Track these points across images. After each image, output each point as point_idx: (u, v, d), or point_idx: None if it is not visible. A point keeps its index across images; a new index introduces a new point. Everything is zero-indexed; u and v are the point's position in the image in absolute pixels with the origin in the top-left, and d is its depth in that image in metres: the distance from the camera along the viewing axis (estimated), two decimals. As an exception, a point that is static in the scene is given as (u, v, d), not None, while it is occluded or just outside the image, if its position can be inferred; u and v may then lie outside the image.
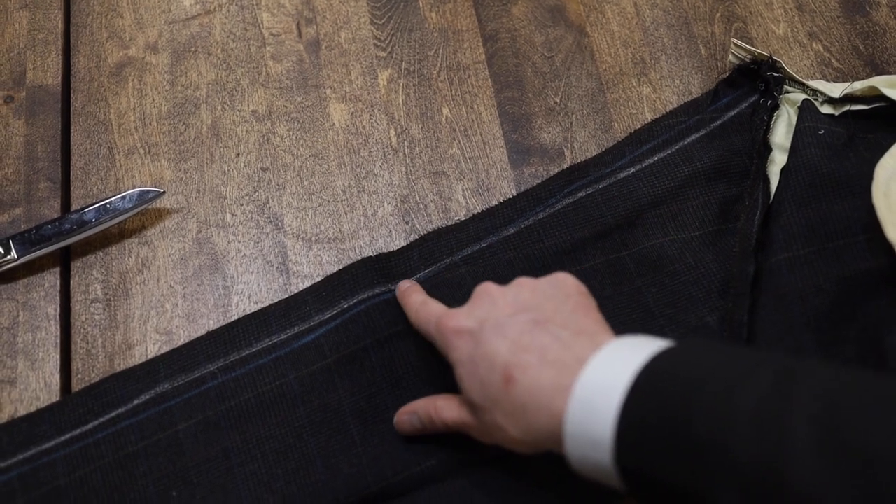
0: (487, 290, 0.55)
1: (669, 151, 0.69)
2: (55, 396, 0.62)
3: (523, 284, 0.55)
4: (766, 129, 0.68)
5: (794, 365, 0.42)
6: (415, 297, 0.61)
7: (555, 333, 0.50)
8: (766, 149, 0.67)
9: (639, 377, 0.44)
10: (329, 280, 0.64)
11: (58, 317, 0.65)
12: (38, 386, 0.62)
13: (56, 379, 0.63)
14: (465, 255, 0.65)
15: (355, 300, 0.63)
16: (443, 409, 0.56)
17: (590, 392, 0.45)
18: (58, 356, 0.63)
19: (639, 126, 0.71)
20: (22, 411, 0.61)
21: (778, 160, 0.67)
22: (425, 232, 0.67)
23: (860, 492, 0.37)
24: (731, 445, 0.40)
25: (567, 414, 0.46)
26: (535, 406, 0.48)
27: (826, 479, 0.37)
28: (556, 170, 0.69)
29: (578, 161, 0.70)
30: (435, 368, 0.60)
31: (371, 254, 0.66)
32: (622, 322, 0.62)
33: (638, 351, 0.46)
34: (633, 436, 0.43)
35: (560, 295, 0.53)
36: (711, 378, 0.43)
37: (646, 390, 0.44)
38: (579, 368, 0.47)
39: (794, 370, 0.42)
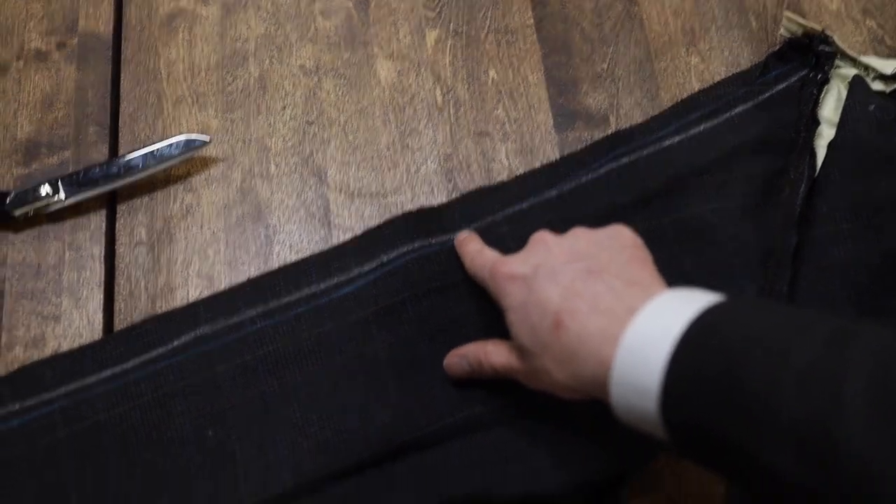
0: (543, 238, 0.55)
1: (716, 122, 0.69)
2: (97, 334, 0.63)
3: (580, 234, 0.55)
4: (815, 102, 0.67)
5: (850, 326, 0.42)
6: (472, 246, 0.61)
7: (608, 282, 0.50)
8: (814, 122, 0.67)
9: (690, 328, 0.44)
10: (370, 233, 0.65)
11: (102, 258, 0.66)
12: (82, 323, 0.64)
13: (99, 317, 0.64)
14: (506, 215, 0.65)
15: (395, 253, 0.63)
16: (492, 353, 0.56)
17: (639, 341, 0.45)
18: (101, 296, 0.65)
19: (686, 96, 0.71)
20: (65, 347, 0.63)
21: (825, 134, 0.67)
22: (467, 191, 0.67)
23: None
24: (783, 401, 0.40)
25: (615, 361, 0.46)
26: (583, 352, 0.48)
27: (877, 441, 0.37)
28: (601, 136, 0.69)
29: (623, 127, 0.69)
30: (473, 323, 0.60)
31: (413, 210, 0.66)
32: (660, 289, 0.62)
33: (691, 303, 0.45)
34: (681, 386, 0.43)
35: (616, 246, 0.54)
36: (765, 333, 0.42)
37: (697, 342, 0.43)
38: (630, 318, 0.46)
39: (849, 330, 0.41)
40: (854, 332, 0.41)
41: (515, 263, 0.55)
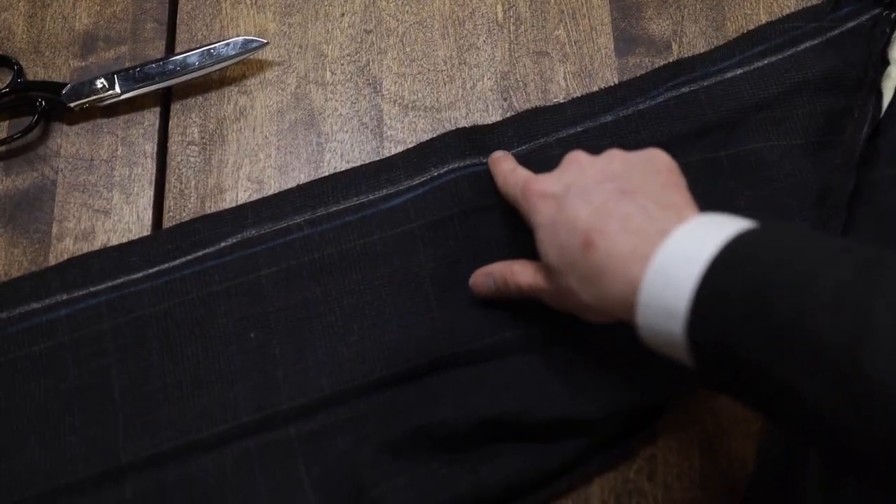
0: (577, 158, 0.55)
1: (781, 56, 0.67)
2: (146, 231, 0.64)
3: (614, 155, 0.54)
4: (887, 42, 0.65)
5: (882, 253, 0.41)
6: (505, 165, 0.60)
7: (640, 203, 0.49)
8: (883, 62, 0.65)
9: (722, 252, 0.43)
10: (421, 147, 0.64)
11: (154, 155, 0.66)
12: (131, 219, 0.64)
13: (148, 214, 0.64)
14: (559, 137, 0.64)
15: (445, 169, 0.63)
16: (519, 272, 0.56)
17: (669, 262, 0.45)
18: (151, 193, 0.65)
19: (752, 27, 0.69)
20: (114, 241, 0.63)
21: (894, 75, 0.65)
22: (522, 110, 0.66)
23: None
24: (809, 325, 0.39)
25: (644, 281, 0.45)
26: (611, 272, 0.47)
27: None
28: (662, 63, 0.68)
29: (686, 56, 0.68)
30: (518, 242, 0.60)
31: (466, 126, 0.65)
32: (711, 221, 0.62)
33: (723, 228, 0.45)
34: (708, 307, 0.43)
35: (651, 168, 0.53)
36: (795, 258, 0.42)
37: (727, 265, 0.43)
38: (661, 239, 0.46)
39: (881, 258, 0.40)
40: (885, 260, 0.40)
41: (547, 182, 0.54)
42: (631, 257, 0.47)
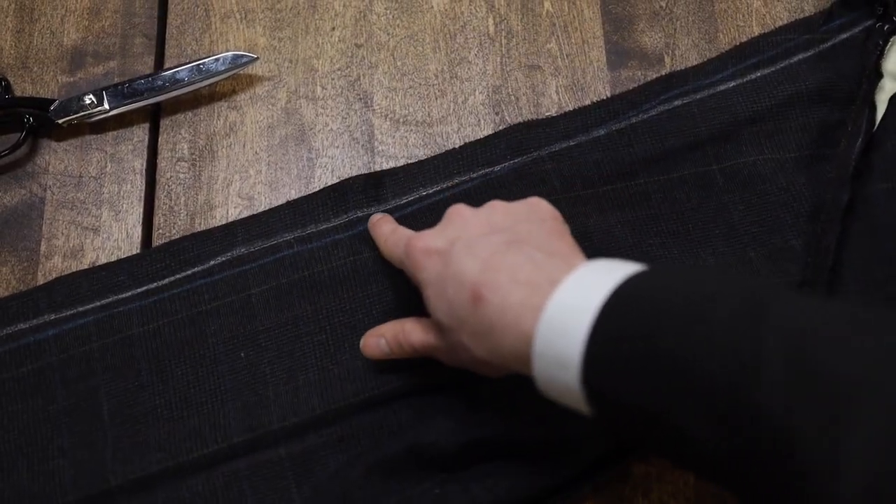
0: (459, 212, 0.54)
1: (774, 69, 0.66)
2: (135, 248, 0.63)
3: (496, 206, 0.53)
4: (880, 54, 0.65)
5: (765, 288, 0.41)
6: (385, 227, 0.59)
7: (528, 253, 0.48)
8: (877, 75, 0.65)
9: (610, 298, 0.42)
10: (410, 168, 0.64)
11: (143, 171, 0.66)
12: (120, 236, 0.64)
13: (138, 231, 0.64)
14: (552, 151, 0.64)
15: (435, 189, 0.63)
16: (410, 332, 0.55)
17: (561, 312, 0.44)
18: (141, 210, 0.65)
19: (745, 39, 0.69)
20: (103, 259, 0.63)
21: (888, 88, 0.65)
22: (514, 124, 0.66)
23: (829, 421, 0.35)
24: (699, 364, 0.39)
25: (537, 333, 0.44)
26: (502, 325, 0.46)
27: (797, 406, 0.36)
28: (655, 76, 0.67)
29: (678, 69, 0.68)
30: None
31: (458, 141, 0.65)
32: (704, 235, 0.61)
33: (612, 273, 0.44)
34: (600, 356, 0.42)
35: (534, 218, 0.52)
36: (683, 299, 0.41)
37: (616, 311, 0.42)
38: (551, 289, 0.45)
39: (765, 293, 0.40)
40: (769, 294, 0.40)
41: (431, 237, 0.53)
42: (522, 309, 0.45)
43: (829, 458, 0.34)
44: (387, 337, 0.57)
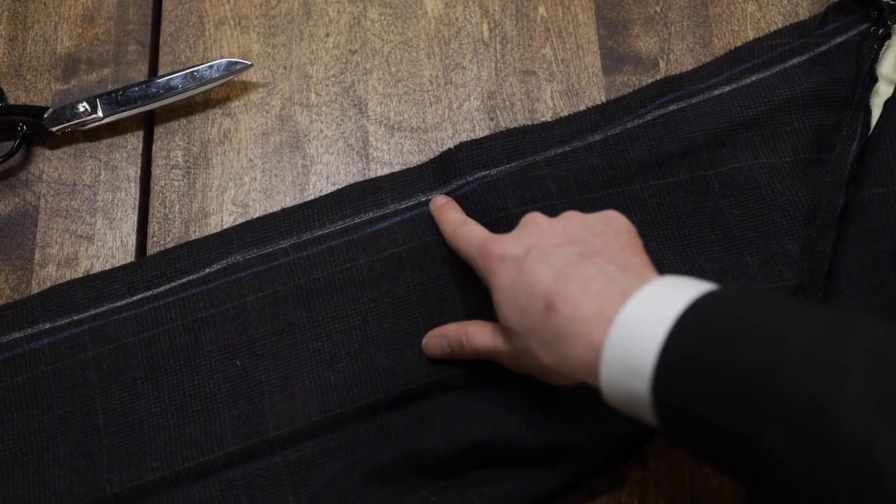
0: (535, 220, 0.54)
1: (769, 73, 0.66)
2: (130, 256, 0.63)
3: (572, 217, 0.54)
4: (875, 58, 0.65)
5: (850, 314, 0.41)
6: (454, 215, 0.59)
7: (601, 266, 0.49)
8: (872, 79, 0.65)
9: (687, 312, 0.43)
10: (408, 172, 0.64)
11: (138, 179, 0.65)
12: (115, 245, 0.63)
13: (132, 239, 0.64)
14: (548, 157, 0.64)
15: (433, 195, 0.63)
16: (474, 335, 0.55)
17: (634, 320, 0.44)
18: (135, 218, 0.64)
19: (740, 44, 0.68)
20: (97, 268, 0.63)
21: (882, 92, 0.64)
22: (509, 128, 0.66)
23: None
24: (781, 382, 0.39)
25: (608, 339, 0.45)
26: (573, 335, 0.47)
27: (879, 425, 0.36)
28: (650, 80, 0.67)
29: (673, 74, 0.68)
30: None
31: (452, 147, 0.65)
32: (700, 240, 0.61)
33: (686, 289, 0.44)
34: (675, 365, 0.42)
35: (609, 231, 0.52)
36: (763, 318, 0.41)
37: (693, 324, 0.42)
38: (624, 301, 0.45)
39: (850, 318, 0.40)
40: (854, 320, 0.40)
41: (507, 243, 0.53)
42: (594, 320, 0.46)
43: None
44: (449, 337, 0.57)
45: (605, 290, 0.47)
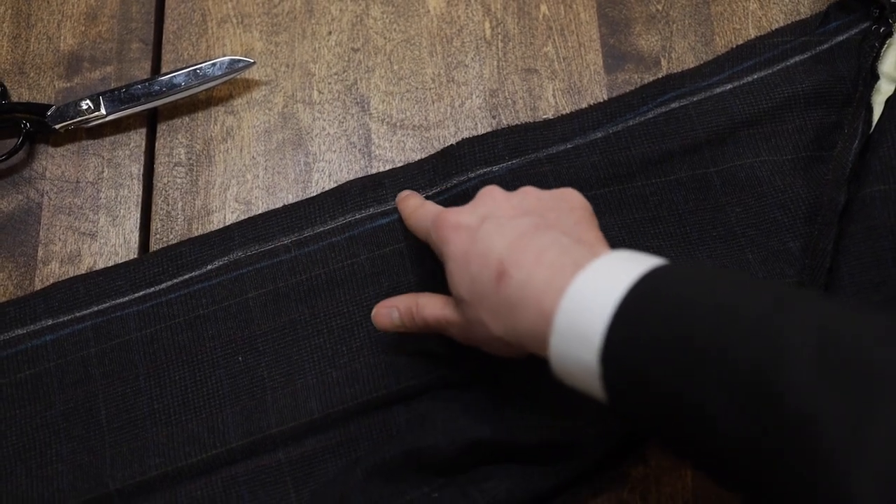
0: (492, 193, 0.54)
1: (770, 71, 0.67)
2: (133, 253, 0.63)
3: (529, 192, 0.54)
4: (876, 56, 0.65)
5: (797, 289, 0.41)
6: (413, 200, 0.60)
7: (555, 238, 0.49)
8: (873, 77, 0.65)
9: (638, 283, 0.43)
10: (409, 168, 0.64)
11: (141, 176, 0.66)
12: (118, 242, 0.64)
13: (135, 237, 0.64)
14: (549, 154, 0.64)
15: (434, 191, 0.63)
16: (425, 305, 0.55)
17: (585, 291, 0.44)
18: (138, 215, 0.65)
19: (741, 42, 0.69)
20: (100, 264, 0.63)
21: (884, 90, 0.65)
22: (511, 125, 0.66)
23: (854, 410, 0.35)
24: (726, 351, 0.39)
25: (559, 308, 0.45)
26: (524, 303, 0.47)
27: (822, 395, 0.36)
28: (651, 78, 0.67)
29: (675, 72, 0.68)
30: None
31: (454, 143, 0.65)
32: (701, 238, 0.61)
33: (638, 262, 0.45)
34: (624, 334, 0.42)
35: (564, 206, 0.53)
36: (712, 292, 0.42)
37: (644, 294, 0.43)
38: (576, 272, 0.45)
39: (799, 292, 0.41)
40: (801, 294, 0.41)
41: (462, 213, 0.53)
42: (546, 289, 0.46)
43: (849, 447, 0.35)
44: (400, 308, 0.57)
45: (558, 260, 0.47)
